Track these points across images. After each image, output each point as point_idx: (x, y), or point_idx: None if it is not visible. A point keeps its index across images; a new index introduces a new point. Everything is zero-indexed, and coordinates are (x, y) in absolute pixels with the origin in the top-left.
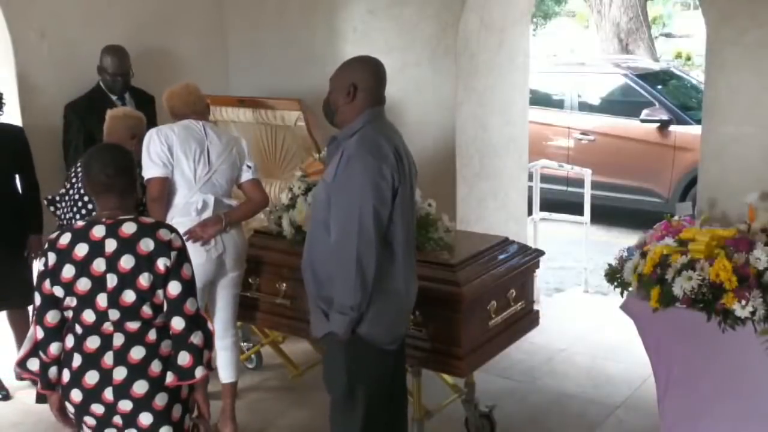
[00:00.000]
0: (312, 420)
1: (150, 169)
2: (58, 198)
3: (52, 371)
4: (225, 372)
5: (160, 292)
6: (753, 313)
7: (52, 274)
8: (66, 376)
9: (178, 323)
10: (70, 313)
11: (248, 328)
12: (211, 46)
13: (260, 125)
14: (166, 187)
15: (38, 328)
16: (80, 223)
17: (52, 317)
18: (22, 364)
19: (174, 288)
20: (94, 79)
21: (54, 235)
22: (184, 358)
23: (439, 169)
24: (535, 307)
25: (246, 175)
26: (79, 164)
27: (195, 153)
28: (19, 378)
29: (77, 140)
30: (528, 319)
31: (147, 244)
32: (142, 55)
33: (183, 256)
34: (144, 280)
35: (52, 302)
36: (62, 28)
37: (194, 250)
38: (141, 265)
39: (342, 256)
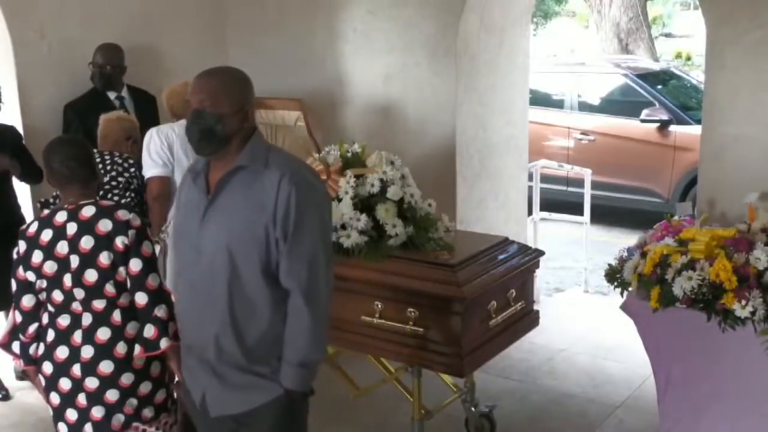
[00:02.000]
0: (311, 419)
1: (150, 169)
2: (51, 200)
3: (32, 348)
4: None
5: (122, 269)
6: (753, 313)
7: (23, 260)
8: (41, 349)
9: (141, 298)
10: (43, 295)
11: None
12: (211, 46)
13: (260, 125)
14: (167, 185)
15: (16, 312)
16: (46, 212)
17: (27, 301)
18: (5, 346)
19: (135, 265)
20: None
21: (24, 226)
22: (149, 331)
23: (439, 169)
24: (535, 307)
25: None
26: None
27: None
28: (20, 378)
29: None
30: (528, 319)
31: (105, 225)
32: (142, 55)
33: (142, 235)
34: (104, 258)
35: (26, 287)
36: (62, 28)
37: None
38: (100, 244)
39: (316, 305)
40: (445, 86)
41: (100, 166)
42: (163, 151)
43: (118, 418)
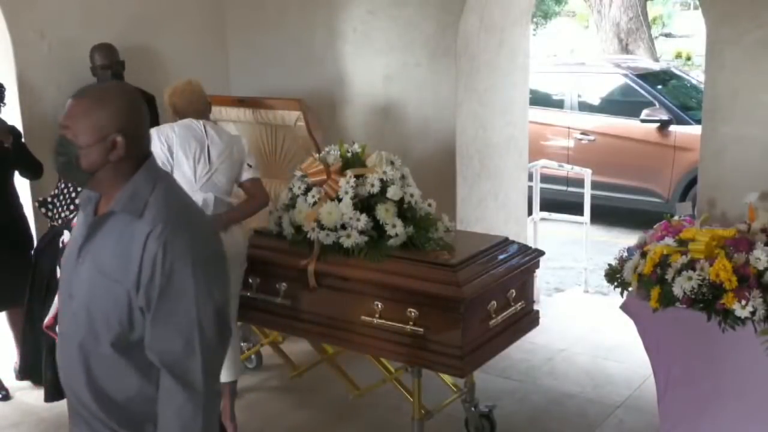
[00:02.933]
0: (311, 420)
1: None
2: (50, 199)
3: None
4: (224, 371)
5: None
6: (753, 313)
7: None
8: None
9: None
10: None
11: (248, 328)
12: (211, 46)
13: (260, 125)
14: None
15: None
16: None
17: None
18: (50, 327)
19: None
20: (93, 79)
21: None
22: None
23: (439, 169)
24: (535, 307)
25: (246, 174)
26: None
27: (195, 152)
28: (20, 378)
29: None
30: (528, 319)
31: None
32: (142, 55)
33: None
34: None
35: None
36: (62, 28)
37: None
38: None
39: (192, 386)
40: (445, 86)
41: None
42: (162, 152)
43: None
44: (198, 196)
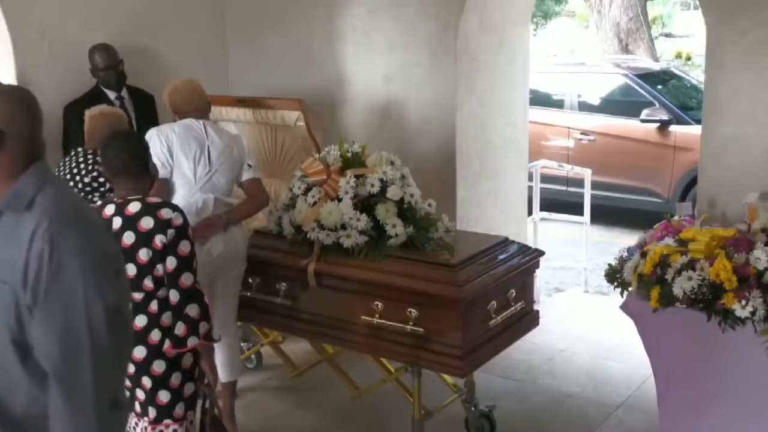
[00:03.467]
0: (312, 420)
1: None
2: None
3: None
4: (224, 371)
5: (159, 266)
6: (753, 313)
7: None
8: None
9: (174, 295)
10: None
11: (248, 328)
12: (211, 46)
13: (260, 125)
14: (165, 188)
15: None
16: (98, 204)
17: None
18: None
19: (170, 263)
20: (94, 79)
21: None
22: (179, 328)
23: (439, 169)
24: (535, 307)
25: (246, 174)
26: (62, 164)
27: (195, 153)
28: None
29: (77, 141)
30: (528, 319)
31: (147, 222)
32: (142, 54)
33: (181, 234)
34: (143, 255)
35: None
36: (62, 28)
37: (196, 249)
38: (140, 241)
39: (74, 396)
40: (445, 86)
41: (83, 165)
42: (162, 152)
43: (152, 411)
44: (198, 197)
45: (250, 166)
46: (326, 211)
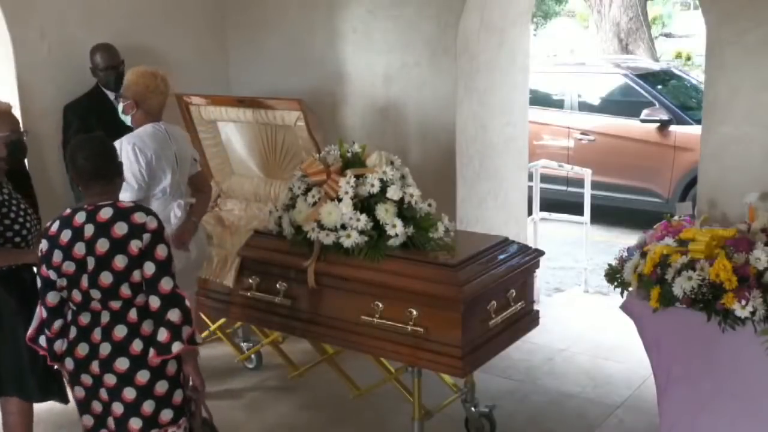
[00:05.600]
0: (312, 420)
1: (125, 192)
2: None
3: (57, 344)
4: None
5: (136, 272)
6: (753, 313)
7: (45, 259)
8: (64, 345)
9: (154, 301)
10: (64, 293)
11: (248, 328)
12: (211, 46)
13: (260, 125)
14: None
15: (41, 308)
16: (67, 211)
17: (51, 298)
18: (33, 340)
19: (148, 268)
20: (93, 79)
21: (48, 224)
22: (161, 334)
23: (439, 169)
24: (535, 307)
25: (194, 168)
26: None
27: (172, 164)
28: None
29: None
30: (528, 319)
31: (121, 228)
32: (142, 54)
33: (158, 238)
34: (119, 261)
35: (49, 284)
36: (62, 28)
37: (178, 256)
38: (115, 248)
39: None
40: (445, 86)
41: None
42: (141, 173)
43: (136, 422)
44: (172, 206)
45: (196, 160)
46: (326, 211)
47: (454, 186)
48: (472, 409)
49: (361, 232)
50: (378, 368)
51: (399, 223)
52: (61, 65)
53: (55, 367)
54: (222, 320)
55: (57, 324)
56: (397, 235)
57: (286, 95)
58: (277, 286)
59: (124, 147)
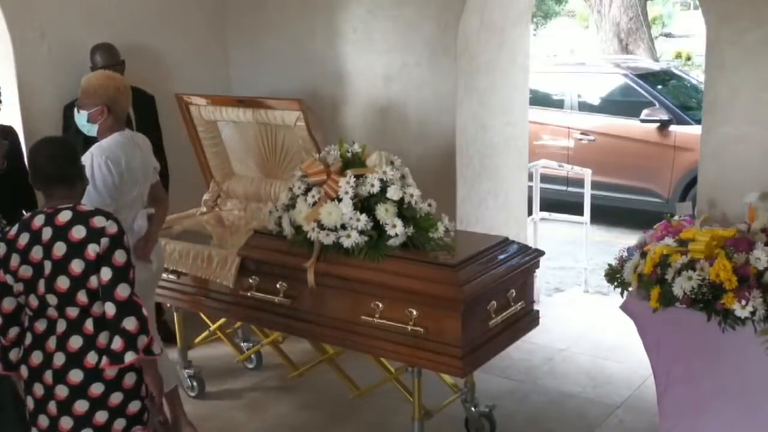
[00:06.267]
0: (312, 420)
1: (97, 206)
2: None
3: (13, 353)
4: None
5: (93, 278)
6: (753, 313)
7: (3, 263)
8: (19, 354)
9: (110, 308)
10: (21, 299)
11: (248, 328)
12: (211, 46)
13: (260, 125)
14: None
15: None
16: (27, 215)
17: (7, 304)
18: None
19: (105, 274)
20: None
21: (8, 228)
22: (116, 343)
23: (439, 169)
24: (535, 307)
25: (154, 177)
26: None
27: (139, 174)
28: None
29: (76, 141)
30: (528, 319)
31: (79, 231)
32: (142, 54)
33: (116, 243)
34: (76, 266)
35: (6, 290)
36: (62, 28)
37: (140, 268)
38: (72, 251)
39: None
40: (445, 86)
41: None
42: (113, 185)
43: None
44: (138, 215)
45: (156, 168)
46: (326, 211)
47: (454, 186)
48: (472, 409)
49: (361, 232)
50: (378, 368)
51: (399, 223)
52: (61, 65)
53: (7, 376)
54: (222, 320)
55: (13, 332)
56: (397, 235)
57: (286, 95)
58: (277, 286)
59: (95, 160)
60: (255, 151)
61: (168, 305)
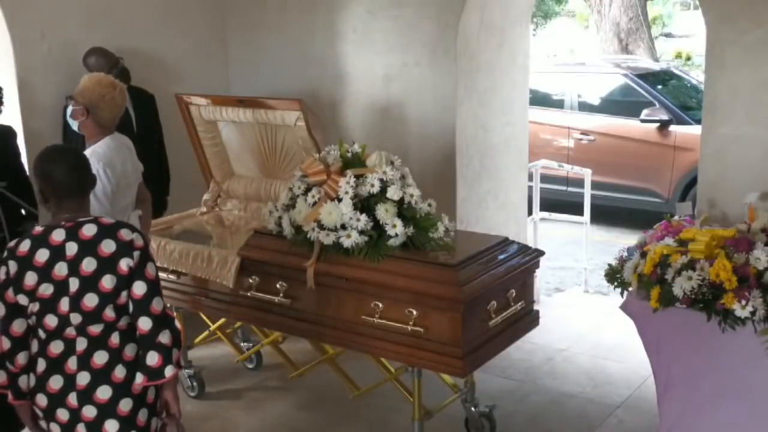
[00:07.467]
0: (311, 420)
1: (95, 212)
2: None
3: (23, 380)
4: None
5: (123, 293)
6: (753, 313)
7: (14, 282)
8: (32, 381)
9: (145, 323)
10: (33, 319)
11: (248, 328)
12: (211, 46)
13: (260, 125)
14: None
15: (3, 338)
16: (38, 229)
17: (18, 326)
18: None
19: (139, 288)
20: None
21: (12, 243)
22: (152, 358)
23: (439, 169)
24: (535, 307)
25: (139, 179)
26: None
27: (132, 178)
28: None
29: (76, 141)
30: (528, 319)
31: (108, 246)
32: (142, 54)
33: (146, 256)
34: (107, 282)
35: (16, 311)
36: (62, 28)
37: None
38: (103, 267)
39: None
40: (445, 86)
41: None
42: (111, 192)
43: None
44: (133, 219)
45: (141, 170)
46: (326, 211)
47: (454, 186)
48: (472, 409)
49: (361, 232)
50: (378, 368)
51: (399, 223)
52: (61, 65)
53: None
54: (222, 320)
55: (22, 357)
56: (397, 235)
57: (286, 95)
58: (277, 286)
59: (93, 166)
60: (255, 151)
61: (168, 305)
